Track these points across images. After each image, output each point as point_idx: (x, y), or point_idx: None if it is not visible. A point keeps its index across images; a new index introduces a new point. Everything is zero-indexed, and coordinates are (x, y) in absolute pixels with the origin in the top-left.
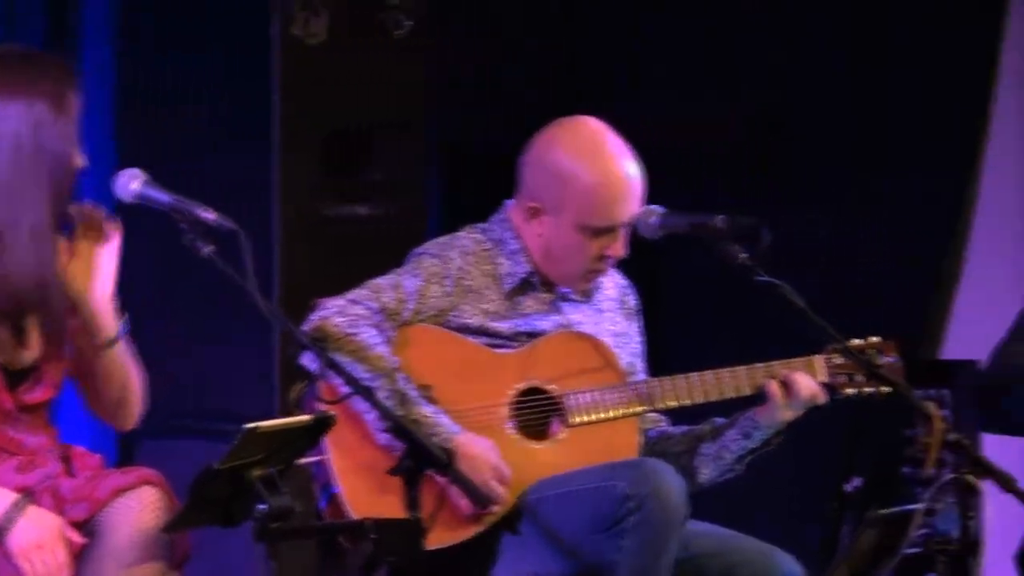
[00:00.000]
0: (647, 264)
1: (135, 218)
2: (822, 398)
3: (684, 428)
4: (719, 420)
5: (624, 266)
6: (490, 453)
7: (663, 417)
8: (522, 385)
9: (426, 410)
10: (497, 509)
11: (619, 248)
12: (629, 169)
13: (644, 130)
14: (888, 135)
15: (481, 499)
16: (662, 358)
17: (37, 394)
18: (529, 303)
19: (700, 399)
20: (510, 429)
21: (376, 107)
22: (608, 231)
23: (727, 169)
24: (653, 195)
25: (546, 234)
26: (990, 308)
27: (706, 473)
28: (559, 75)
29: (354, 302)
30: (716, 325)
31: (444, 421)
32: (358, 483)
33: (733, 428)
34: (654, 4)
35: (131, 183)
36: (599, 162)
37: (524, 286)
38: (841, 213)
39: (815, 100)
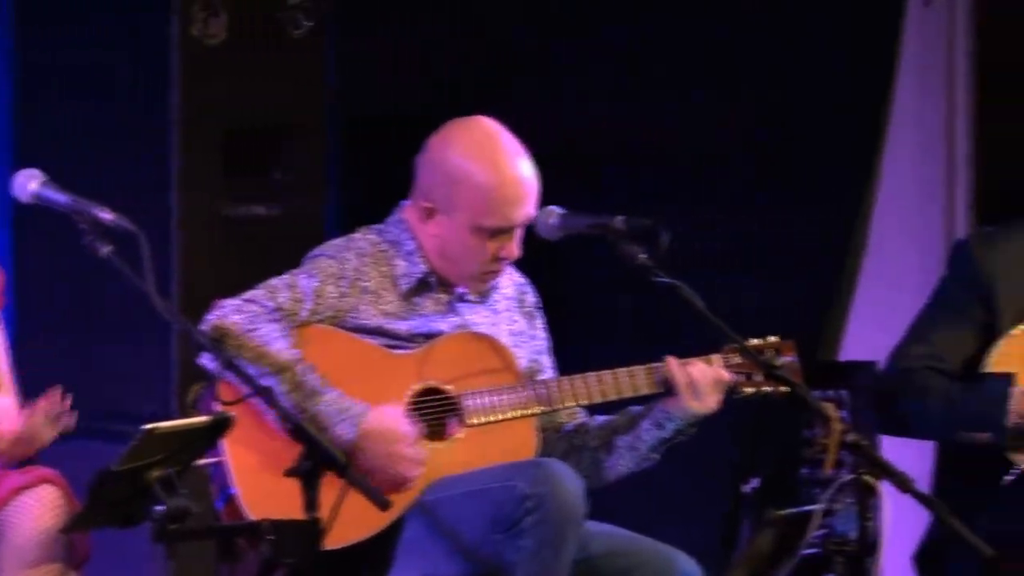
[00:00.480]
0: (549, 263)
1: (34, 218)
2: (726, 375)
3: (600, 420)
4: (635, 409)
5: (526, 265)
6: (403, 424)
7: (579, 410)
8: (419, 385)
9: (332, 394)
10: (403, 497)
11: (513, 249)
12: (523, 170)
13: (544, 133)
14: (787, 136)
15: (379, 500)
16: (563, 358)
17: None
18: (426, 304)
19: (599, 399)
20: (410, 421)
21: (276, 107)
22: (502, 232)
23: (626, 168)
24: (549, 192)
25: (440, 234)
26: (889, 310)
27: (622, 464)
28: (460, 78)
29: (250, 301)
30: (618, 325)
31: (351, 403)
32: (255, 484)
33: (647, 419)
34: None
35: (28, 183)
36: (492, 162)
37: (421, 287)
38: (740, 213)
39: (725, 100)
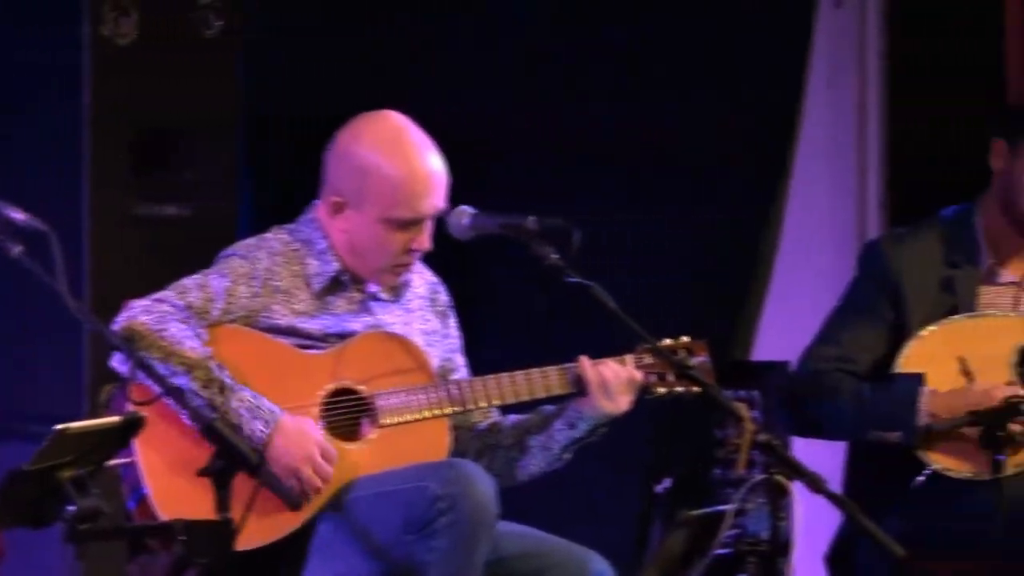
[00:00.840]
0: (462, 262)
1: None
2: (638, 375)
3: (513, 419)
4: (548, 408)
5: (438, 264)
6: (314, 430)
7: (493, 409)
8: (332, 386)
9: (245, 393)
10: (310, 503)
11: (424, 241)
12: (431, 162)
13: (449, 130)
14: (699, 136)
15: (292, 499)
16: (477, 358)
17: None
18: (339, 303)
19: (512, 399)
20: (320, 430)
21: (187, 107)
22: (412, 224)
23: (535, 167)
24: (454, 189)
25: (350, 229)
26: (800, 310)
27: (535, 464)
28: (371, 77)
29: (160, 301)
30: (531, 325)
31: (265, 403)
32: (167, 484)
33: (559, 419)
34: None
35: None
36: (400, 155)
37: (334, 285)
38: (653, 215)
39: (638, 99)
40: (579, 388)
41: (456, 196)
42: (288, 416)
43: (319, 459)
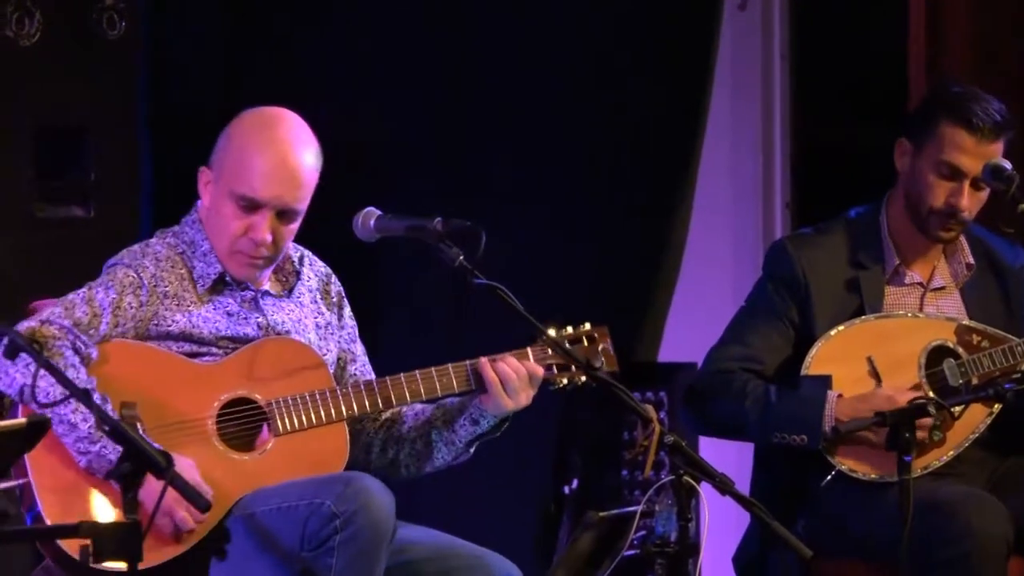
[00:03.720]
0: (366, 262)
1: None
2: (539, 370)
3: (416, 411)
4: (451, 402)
5: (342, 266)
6: (191, 472)
7: None
8: (227, 396)
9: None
10: (202, 523)
11: (259, 230)
12: (292, 153)
13: (350, 135)
14: (604, 137)
15: (199, 501)
16: (385, 361)
17: None
18: (229, 303)
19: (411, 399)
20: (217, 441)
21: (90, 108)
22: (251, 206)
23: (440, 169)
24: (369, 193)
25: (208, 205)
26: (706, 311)
27: (439, 457)
28: (275, 76)
29: (47, 322)
30: (434, 328)
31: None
32: (62, 502)
33: (463, 414)
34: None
35: None
36: (265, 136)
37: (219, 285)
38: (560, 216)
39: (544, 98)
40: (479, 385)
41: (355, 197)
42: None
43: (180, 511)
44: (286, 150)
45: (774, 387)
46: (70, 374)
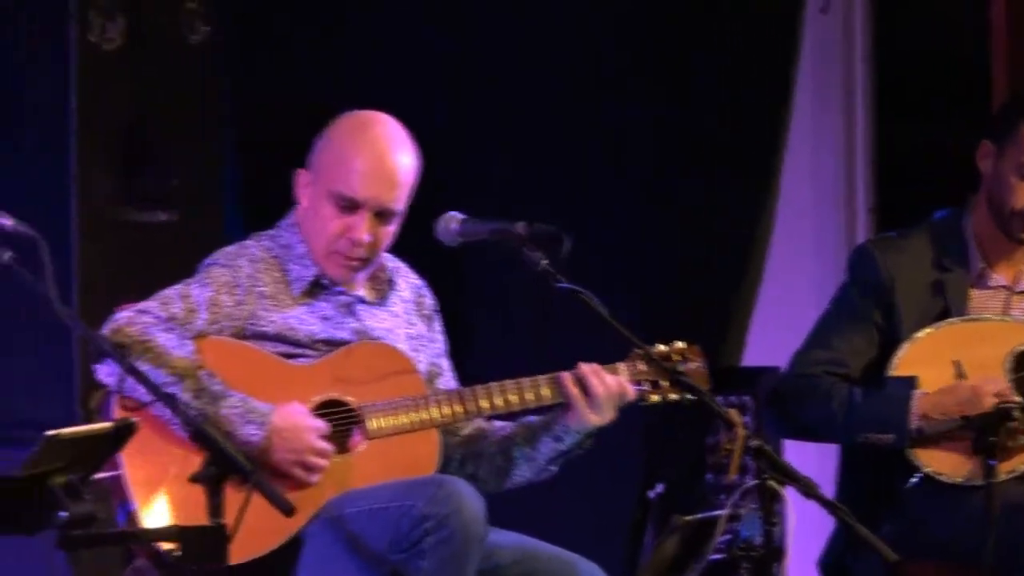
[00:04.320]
0: (451, 269)
1: None
2: (630, 391)
3: (498, 427)
4: (533, 419)
5: (426, 271)
6: (308, 417)
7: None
8: (320, 397)
9: (235, 399)
10: (305, 509)
11: (358, 230)
12: (389, 154)
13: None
14: (686, 142)
15: (284, 506)
16: (466, 366)
17: None
18: (324, 308)
19: (502, 410)
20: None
21: (174, 112)
22: (350, 206)
23: (523, 172)
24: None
25: (307, 206)
26: (790, 315)
27: (519, 474)
28: (360, 79)
29: (143, 312)
30: (520, 333)
31: (255, 404)
32: (155, 497)
33: (546, 431)
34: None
35: None
36: (362, 136)
37: (316, 289)
38: (644, 220)
39: (625, 105)
40: (565, 397)
41: (444, 197)
42: (279, 413)
43: (316, 447)
44: (383, 150)
45: (859, 389)
46: (176, 354)
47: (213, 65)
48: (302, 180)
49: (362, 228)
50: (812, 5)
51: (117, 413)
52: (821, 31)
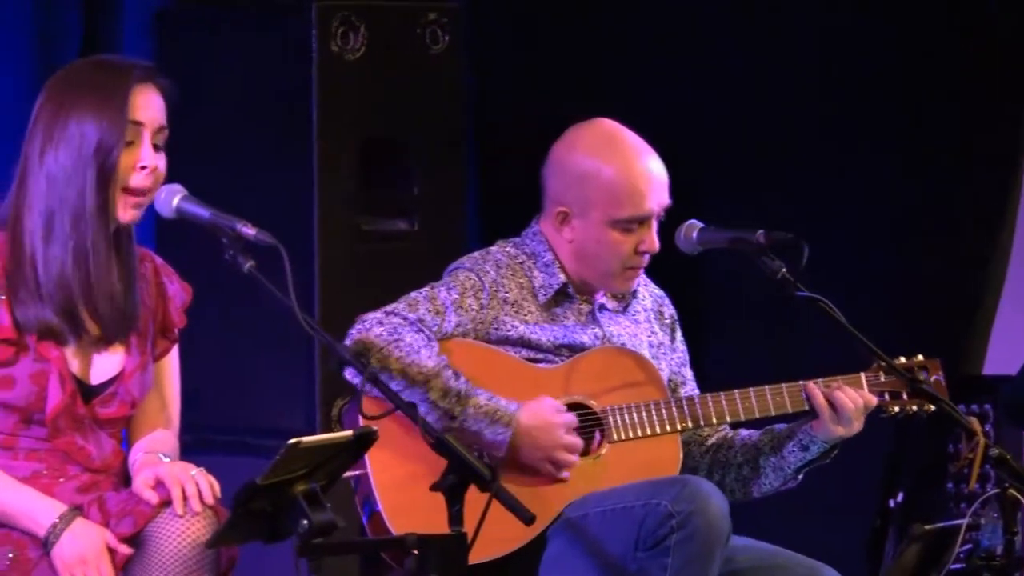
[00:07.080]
0: (685, 279)
1: (176, 233)
2: (873, 401)
3: (743, 436)
4: (779, 428)
5: (661, 279)
6: (556, 411)
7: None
8: (564, 400)
9: (481, 398)
10: (547, 513)
11: (651, 241)
12: (648, 160)
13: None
14: (926, 141)
15: (525, 515)
16: (702, 374)
17: (112, 409)
18: (567, 315)
19: (744, 417)
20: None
21: (415, 121)
22: (638, 223)
23: (764, 180)
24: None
25: (577, 238)
26: None
27: (766, 483)
28: (601, 88)
29: (391, 313)
30: (757, 340)
31: (502, 403)
32: (400, 499)
33: (792, 440)
34: None
35: (171, 198)
36: (618, 155)
37: (560, 297)
38: (881, 227)
39: (849, 113)
40: (812, 407)
41: (675, 202)
42: (526, 411)
43: (565, 443)
44: (642, 156)
45: None
46: (424, 354)
47: (454, 75)
48: (558, 217)
49: (654, 237)
50: None
51: (360, 421)
52: None
